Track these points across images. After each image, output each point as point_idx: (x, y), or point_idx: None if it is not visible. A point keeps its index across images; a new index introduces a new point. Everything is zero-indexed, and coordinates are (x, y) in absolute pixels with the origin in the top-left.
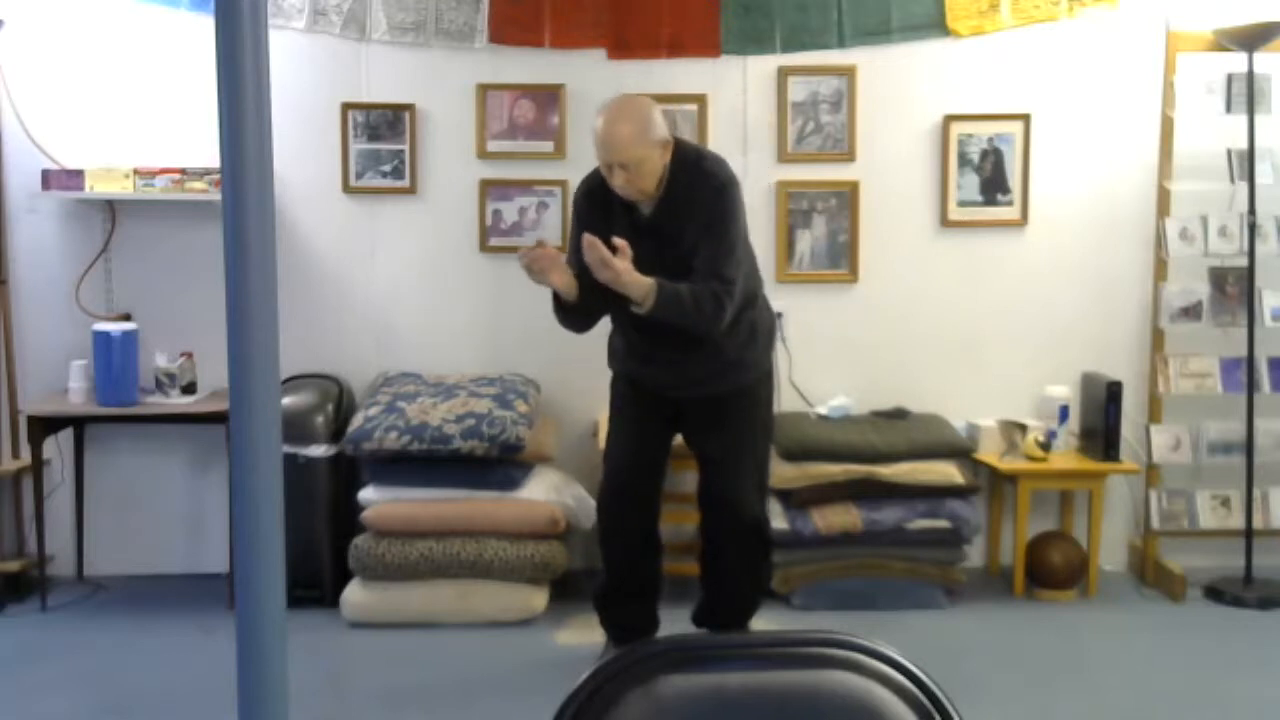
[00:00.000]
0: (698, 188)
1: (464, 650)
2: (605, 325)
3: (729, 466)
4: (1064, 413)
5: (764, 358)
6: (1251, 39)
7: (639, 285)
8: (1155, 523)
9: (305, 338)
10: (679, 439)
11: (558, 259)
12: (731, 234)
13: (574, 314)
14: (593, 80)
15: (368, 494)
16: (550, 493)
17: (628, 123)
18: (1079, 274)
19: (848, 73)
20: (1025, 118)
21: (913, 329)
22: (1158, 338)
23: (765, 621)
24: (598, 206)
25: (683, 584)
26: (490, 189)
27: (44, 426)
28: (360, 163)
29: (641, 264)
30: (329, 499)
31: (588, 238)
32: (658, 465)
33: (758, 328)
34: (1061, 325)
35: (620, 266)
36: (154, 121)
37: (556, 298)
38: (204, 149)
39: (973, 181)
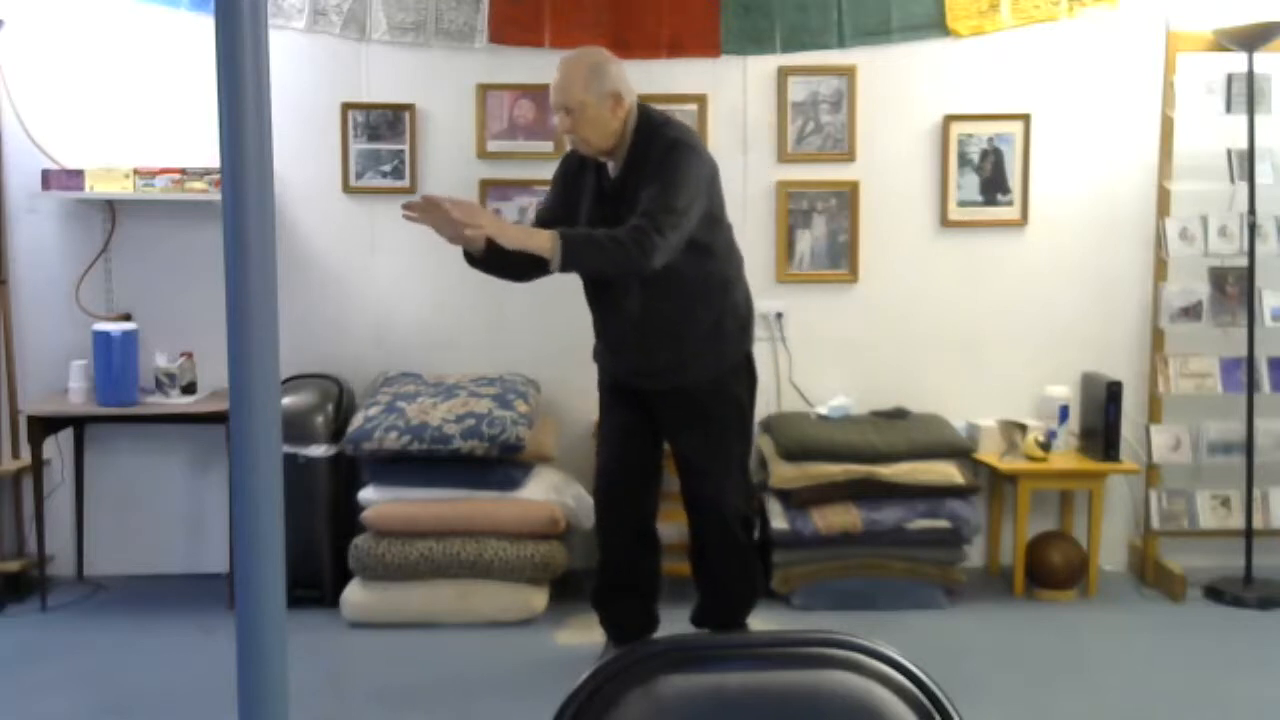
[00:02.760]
0: (653, 147)
1: (464, 650)
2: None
3: (706, 466)
4: (1064, 413)
5: (733, 350)
6: (1251, 39)
7: (537, 238)
8: (1155, 523)
9: (305, 338)
10: None
11: (440, 212)
12: (675, 186)
13: (481, 266)
14: None
15: (368, 494)
16: (550, 493)
17: (573, 67)
18: (1079, 274)
19: (848, 73)
20: (1025, 118)
21: (913, 329)
22: (1158, 338)
23: (765, 621)
24: (572, 173)
25: (683, 584)
26: (490, 189)
27: (44, 426)
28: (360, 163)
29: (602, 227)
30: (329, 499)
31: (426, 198)
32: (647, 464)
33: (725, 315)
34: (1061, 325)
35: (493, 224)
36: (154, 121)
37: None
38: (204, 149)
39: (973, 181)
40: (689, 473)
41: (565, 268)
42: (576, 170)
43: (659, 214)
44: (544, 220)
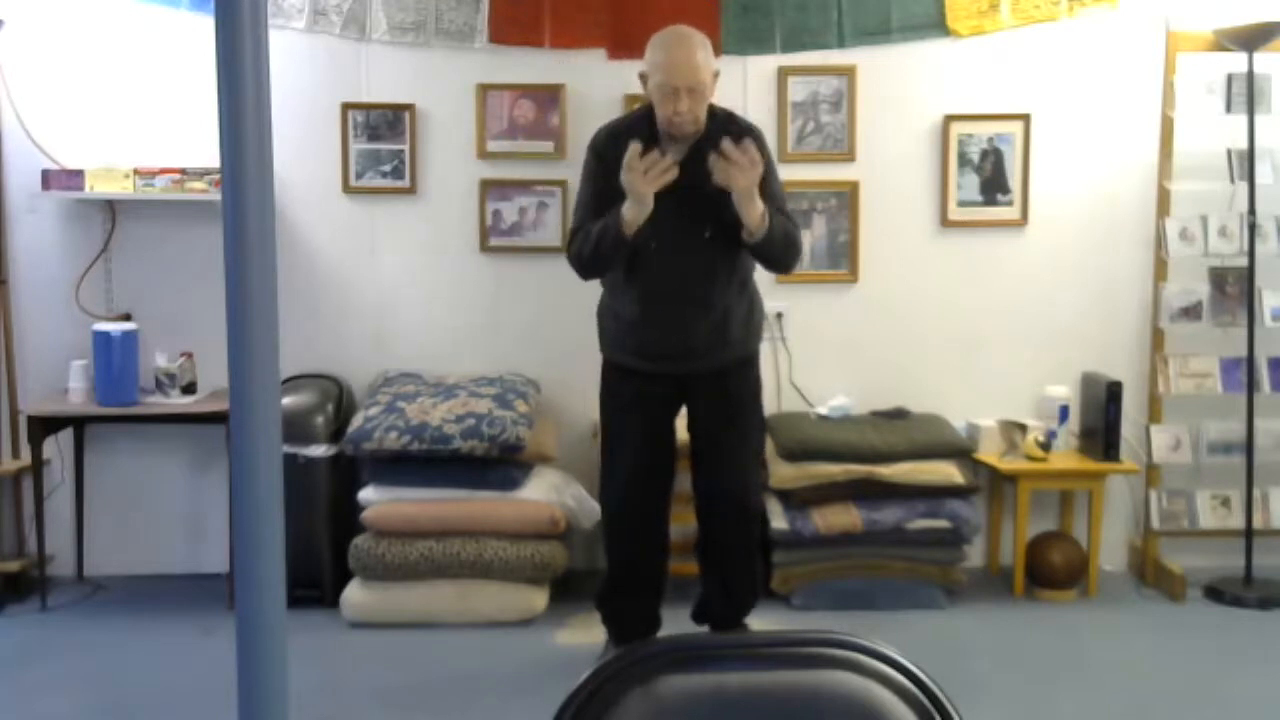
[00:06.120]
0: (736, 134)
1: (464, 650)
2: (593, 304)
3: (734, 456)
4: (1064, 413)
5: (758, 336)
6: (1251, 39)
7: (757, 208)
8: (1155, 523)
9: (305, 338)
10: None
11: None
12: (778, 179)
13: (622, 238)
14: (593, 80)
15: (368, 494)
16: (550, 493)
17: (693, 46)
18: (1079, 274)
19: (848, 73)
20: (1025, 118)
21: (913, 329)
22: (1158, 338)
23: (765, 621)
24: (614, 161)
25: (683, 584)
26: (490, 189)
27: (44, 426)
28: (360, 163)
29: (667, 215)
30: (329, 499)
31: (729, 149)
32: (668, 468)
33: (755, 301)
34: (1061, 325)
35: (749, 182)
36: (154, 121)
37: (619, 233)
38: (204, 149)
39: (973, 181)
40: (715, 464)
41: (755, 245)
42: (618, 160)
43: (790, 214)
44: (598, 216)
